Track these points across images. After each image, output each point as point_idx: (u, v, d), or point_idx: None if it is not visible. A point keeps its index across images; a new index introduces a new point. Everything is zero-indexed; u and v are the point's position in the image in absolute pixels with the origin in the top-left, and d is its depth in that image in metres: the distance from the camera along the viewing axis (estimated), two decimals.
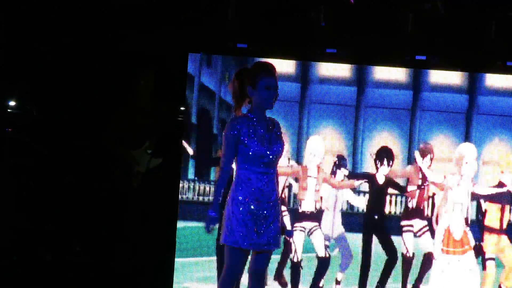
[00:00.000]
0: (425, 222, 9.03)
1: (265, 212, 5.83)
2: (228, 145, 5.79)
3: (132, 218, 8.61)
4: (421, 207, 9.03)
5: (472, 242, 8.96)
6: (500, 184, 8.77)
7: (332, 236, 9.00)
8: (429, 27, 8.06)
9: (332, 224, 9.03)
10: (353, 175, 9.17)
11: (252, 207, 5.81)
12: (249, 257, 5.89)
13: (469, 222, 8.89)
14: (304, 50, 8.40)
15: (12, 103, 8.65)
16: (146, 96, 8.83)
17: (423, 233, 9.01)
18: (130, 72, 8.65)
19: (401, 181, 9.06)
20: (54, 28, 8.29)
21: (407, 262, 8.95)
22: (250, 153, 5.82)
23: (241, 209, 5.80)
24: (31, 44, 8.30)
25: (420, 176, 8.94)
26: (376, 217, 9.01)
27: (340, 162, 9.14)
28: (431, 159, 8.86)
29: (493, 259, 8.91)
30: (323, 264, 8.40)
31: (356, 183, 9.12)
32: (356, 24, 8.13)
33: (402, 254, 8.93)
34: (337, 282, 8.83)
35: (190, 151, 8.66)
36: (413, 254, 8.92)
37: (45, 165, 8.48)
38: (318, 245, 8.38)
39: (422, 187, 9.01)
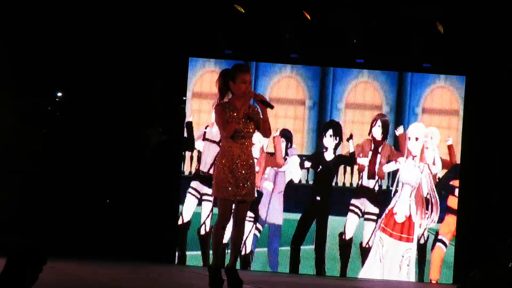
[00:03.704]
0: (376, 210, 8.12)
1: (242, 171, 6.30)
2: (221, 117, 6.28)
3: (144, 178, 9.36)
4: (370, 186, 8.15)
5: (416, 234, 8.06)
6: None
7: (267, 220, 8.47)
8: (366, 38, 8.84)
9: (268, 207, 8.40)
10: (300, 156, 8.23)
11: (232, 168, 6.27)
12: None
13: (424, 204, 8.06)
14: (274, 55, 8.93)
15: (59, 94, 9.40)
16: (157, 90, 9.41)
17: (367, 220, 8.14)
18: (147, 73, 9.33)
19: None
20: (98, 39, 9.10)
21: (345, 244, 8.25)
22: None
23: (224, 170, 6.29)
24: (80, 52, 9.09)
25: (372, 147, 8.26)
26: (318, 198, 8.31)
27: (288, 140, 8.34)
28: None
29: (443, 242, 8.20)
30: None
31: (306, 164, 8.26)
32: (312, 35, 8.84)
33: (340, 233, 8.29)
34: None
35: None
36: (351, 238, 8.25)
37: (90, 139, 9.40)
38: None
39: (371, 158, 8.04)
